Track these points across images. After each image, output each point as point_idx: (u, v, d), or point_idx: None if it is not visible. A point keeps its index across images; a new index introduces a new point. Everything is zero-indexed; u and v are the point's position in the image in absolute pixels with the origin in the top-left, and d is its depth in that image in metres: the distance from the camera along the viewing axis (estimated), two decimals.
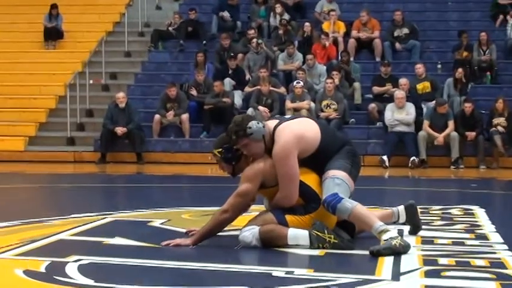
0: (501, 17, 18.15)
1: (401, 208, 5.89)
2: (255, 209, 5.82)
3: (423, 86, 15.34)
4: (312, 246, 5.24)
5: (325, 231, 5.25)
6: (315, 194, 5.39)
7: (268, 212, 5.46)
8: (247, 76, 16.25)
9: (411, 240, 5.46)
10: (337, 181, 5.35)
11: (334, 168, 5.42)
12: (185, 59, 17.96)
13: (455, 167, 13.99)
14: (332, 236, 5.25)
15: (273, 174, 5.37)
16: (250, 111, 15.03)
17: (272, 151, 5.36)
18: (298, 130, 5.46)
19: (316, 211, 5.37)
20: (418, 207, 5.94)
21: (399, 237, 5.19)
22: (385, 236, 5.17)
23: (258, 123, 5.38)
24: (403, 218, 5.86)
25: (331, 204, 5.27)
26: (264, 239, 5.28)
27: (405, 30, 17.47)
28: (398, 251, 5.07)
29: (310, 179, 5.46)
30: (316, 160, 5.47)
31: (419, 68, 15.47)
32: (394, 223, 5.90)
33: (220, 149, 5.51)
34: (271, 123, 5.51)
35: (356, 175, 5.56)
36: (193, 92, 15.71)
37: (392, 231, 5.28)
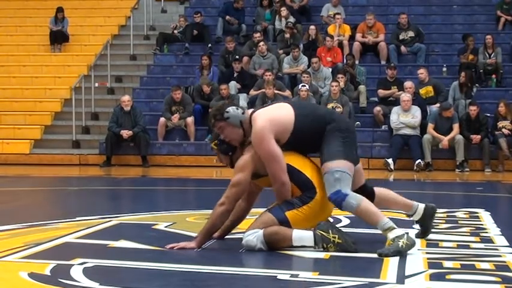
0: (503, 19, 18.15)
1: (421, 206, 5.83)
2: (255, 212, 5.83)
3: (426, 91, 15.33)
4: (316, 245, 5.24)
5: (330, 232, 5.26)
6: (308, 181, 5.38)
7: (267, 213, 5.45)
8: (258, 72, 16.17)
9: (415, 240, 5.45)
10: (336, 175, 5.33)
11: (329, 159, 5.38)
12: (190, 62, 17.98)
13: (460, 170, 13.98)
14: (336, 236, 5.25)
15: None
16: None
17: (252, 136, 5.41)
18: (270, 114, 5.52)
19: (313, 200, 5.37)
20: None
21: (405, 236, 5.20)
22: (391, 234, 5.21)
23: (236, 108, 5.48)
24: (418, 216, 5.82)
25: (336, 202, 5.31)
26: (269, 241, 5.28)
27: (410, 34, 17.47)
28: (404, 251, 5.12)
29: (302, 164, 5.46)
30: (300, 141, 5.47)
31: (422, 74, 15.45)
32: (408, 216, 5.89)
33: (216, 141, 5.60)
34: (250, 111, 5.58)
35: (353, 153, 5.50)
36: (206, 88, 15.65)
37: (398, 229, 5.28)
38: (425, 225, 5.88)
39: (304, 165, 5.47)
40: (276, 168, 5.37)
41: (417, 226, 5.97)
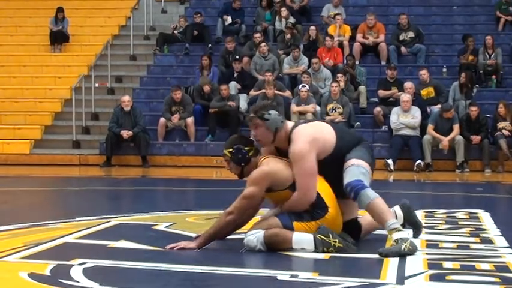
0: (502, 20, 18.16)
1: (396, 208, 5.91)
2: (259, 213, 5.84)
3: (427, 92, 15.35)
4: (316, 250, 5.24)
5: (330, 236, 5.26)
6: (322, 200, 5.39)
7: (274, 217, 5.45)
8: (257, 75, 16.20)
9: (416, 243, 5.46)
10: (362, 170, 5.44)
11: (356, 157, 5.49)
12: (190, 63, 17.99)
13: (460, 171, 13.99)
14: (337, 241, 5.25)
15: (280, 178, 5.38)
16: None
17: (289, 150, 5.39)
18: (315, 131, 5.54)
19: (322, 218, 5.37)
20: (422, 211, 5.93)
21: (409, 241, 5.22)
22: (396, 235, 5.24)
23: (278, 115, 5.48)
24: (401, 218, 5.85)
25: (356, 188, 5.33)
26: (269, 243, 5.28)
27: (410, 34, 17.48)
28: (405, 255, 5.12)
29: (318, 184, 5.45)
30: (336, 160, 5.49)
31: (424, 74, 15.46)
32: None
33: (231, 149, 5.51)
34: (289, 124, 5.58)
35: (373, 169, 5.65)
36: (206, 89, 15.65)
37: (404, 231, 5.32)
38: (412, 221, 5.89)
39: (320, 186, 5.45)
40: (310, 185, 5.35)
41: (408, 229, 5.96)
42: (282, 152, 5.56)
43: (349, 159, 5.47)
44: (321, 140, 5.47)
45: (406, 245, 5.16)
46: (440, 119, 14.34)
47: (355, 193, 5.34)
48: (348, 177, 5.39)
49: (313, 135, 5.46)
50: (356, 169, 5.42)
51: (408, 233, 5.55)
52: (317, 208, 5.38)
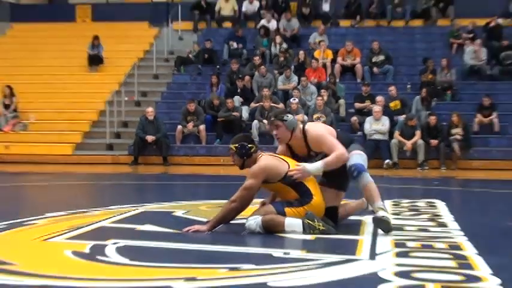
0: (455, 45, 18.18)
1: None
2: (257, 202, 5.85)
3: (395, 104, 15.36)
4: (304, 232, 5.27)
5: (315, 220, 5.29)
6: (307, 189, 5.42)
7: (269, 205, 5.50)
8: (256, 93, 16.21)
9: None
10: (364, 158, 5.58)
11: (358, 149, 5.64)
12: (202, 80, 17.97)
13: (421, 168, 14.00)
14: (321, 224, 5.28)
15: (274, 172, 5.41)
16: (255, 123, 15.07)
17: (311, 138, 5.56)
18: (324, 126, 5.97)
19: (309, 204, 5.40)
20: (390, 201, 5.96)
21: (388, 218, 5.43)
22: (380, 213, 5.42)
23: (294, 118, 5.64)
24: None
25: (359, 169, 5.44)
26: (266, 226, 5.31)
27: (381, 57, 17.49)
28: (382, 227, 5.38)
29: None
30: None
31: (392, 90, 15.49)
32: (366, 209, 5.95)
33: (236, 145, 5.54)
34: (301, 125, 5.71)
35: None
36: (215, 102, 15.65)
37: (385, 212, 5.47)
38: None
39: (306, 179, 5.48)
40: (339, 147, 5.47)
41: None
42: (295, 149, 5.67)
43: (353, 150, 5.59)
44: (330, 129, 5.74)
45: (386, 221, 5.36)
46: (405, 126, 14.35)
47: (358, 173, 5.44)
48: (354, 160, 5.49)
49: (325, 126, 5.81)
50: (359, 156, 5.57)
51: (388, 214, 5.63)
52: (304, 196, 5.41)
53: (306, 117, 14.93)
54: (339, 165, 5.49)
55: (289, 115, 5.62)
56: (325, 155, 5.52)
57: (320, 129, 5.66)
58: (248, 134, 5.67)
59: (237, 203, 5.40)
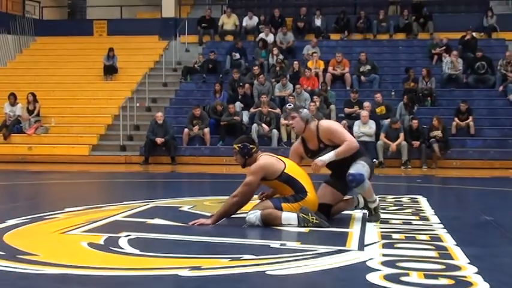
0: (436, 57, 18.16)
1: (359, 196, 5.88)
2: (257, 198, 5.82)
3: (380, 109, 15.35)
4: (299, 225, 5.24)
5: (309, 214, 5.26)
6: (302, 186, 5.39)
7: (267, 201, 5.47)
8: (256, 99, 16.18)
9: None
10: (366, 168, 5.51)
11: (362, 160, 5.57)
12: (207, 88, 17.97)
13: (404, 167, 13.99)
14: (314, 218, 5.26)
15: (272, 170, 5.39)
16: (254, 126, 15.05)
17: (327, 130, 5.54)
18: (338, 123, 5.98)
19: (303, 200, 5.37)
20: (377, 196, 5.91)
21: (378, 212, 5.66)
22: (371, 205, 5.64)
23: (308, 113, 5.71)
24: (362, 203, 5.85)
25: (356, 178, 5.42)
26: (265, 220, 5.28)
27: (368, 67, 17.48)
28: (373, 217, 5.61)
29: (299, 174, 5.45)
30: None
31: (378, 97, 15.49)
32: (355, 207, 5.91)
33: (239, 145, 5.53)
34: (316, 120, 5.74)
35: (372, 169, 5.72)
36: (219, 108, 15.64)
37: (377, 205, 5.69)
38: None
39: (300, 175, 5.45)
40: (350, 137, 5.53)
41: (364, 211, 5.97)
42: (308, 143, 5.66)
43: (356, 159, 5.54)
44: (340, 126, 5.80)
45: (378, 211, 5.66)
46: (390, 129, 14.34)
47: (357, 182, 5.41)
48: (354, 169, 5.45)
49: (337, 123, 5.86)
50: (361, 167, 5.49)
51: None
52: (299, 193, 5.38)
53: None
54: (350, 153, 5.49)
55: (305, 109, 5.73)
56: (334, 148, 5.50)
57: (332, 122, 5.77)
58: (250, 136, 5.66)
59: (238, 197, 5.38)
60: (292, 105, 5.89)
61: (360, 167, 5.47)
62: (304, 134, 5.67)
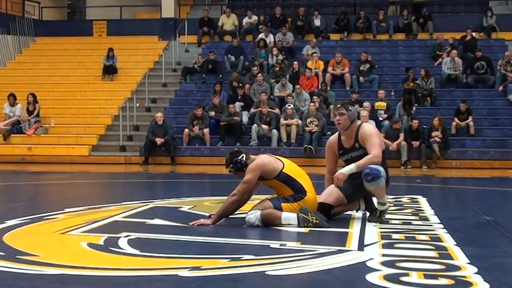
0: (440, 59, 18.12)
1: (361, 200, 5.88)
2: (256, 198, 5.82)
3: (379, 104, 15.52)
4: (299, 225, 5.24)
5: (309, 214, 5.26)
6: (301, 187, 5.39)
7: (267, 201, 5.46)
8: (255, 99, 16.18)
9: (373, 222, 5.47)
10: (382, 170, 5.52)
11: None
12: (206, 88, 17.96)
13: (404, 167, 13.99)
14: (314, 218, 5.26)
15: (269, 169, 5.41)
16: (254, 126, 15.05)
17: (362, 131, 5.63)
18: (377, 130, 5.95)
19: (303, 200, 5.37)
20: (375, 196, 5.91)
21: (385, 214, 5.67)
22: (380, 207, 5.65)
23: (356, 111, 5.78)
24: (363, 206, 5.85)
25: (373, 173, 5.45)
26: (264, 220, 5.28)
27: (367, 66, 17.49)
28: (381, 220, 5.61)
29: (298, 174, 5.45)
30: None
31: (382, 93, 15.71)
32: (357, 210, 5.91)
33: (231, 165, 5.52)
34: (358, 121, 5.81)
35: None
36: (212, 113, 15.70)
37: (387, 207, 5.71)
38: (371, 207, 5.85)
39: (299, 175, 5.46)
40: (379, 151, 5.54)
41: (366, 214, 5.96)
42: (344, 140, 5.73)
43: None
44: (379, 134, 5.81)
45: (384, 216, 5.66)
46: (390, 129, 14.35)
47: (373, 177, 5.43)
48: (371, 167, 5.47)
49: (376, 130, 5.82)
50: (378, 166, 5.51)
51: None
52: (298, 193, 5.39)
53: (300, 122, 14.93)
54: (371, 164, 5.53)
55: (353, 107, 5.74)
56: (365, 152, 5.56)
57: (373, 129, 5.76)
58: (231, 150, 5.65)
59: (237, 195, 5.39)
60: (344, 101, 5.94)
61: (377, 166, 5.51)
62: (345, 131, 5.72)
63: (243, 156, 5.50)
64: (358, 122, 5.76)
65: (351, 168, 5.51)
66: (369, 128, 5.71)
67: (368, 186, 5.51)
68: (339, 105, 5.73)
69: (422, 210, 6.52)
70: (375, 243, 4.63)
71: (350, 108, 5.68)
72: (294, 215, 5.27)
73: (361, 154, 5.59)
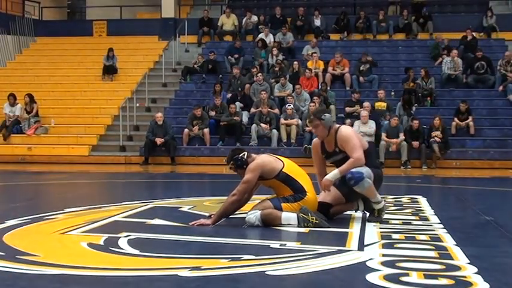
0: (440, 59, 18.09)
1: (359, 200, 5.87)
2: (256, 198, 5.81)
3: (380, 104, 15.52)
4: (299, 225, 5.24)
5: (309, 214, 5.26)
6: (301, 186, 5.39)
7: (267, 201, 5.46)
8: (255, 99, 16.18)
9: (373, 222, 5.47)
10: (366, 169, 5.52)
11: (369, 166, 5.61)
12: (206, 88, 17.95)
13: (404, 167, 13.98)
14: (314, 218, 5.26)
15: (269, 168, 5.41)
16: (253, 126, 15.05)
17: (339, 136, 5.59)
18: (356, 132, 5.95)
19: (303, 199, 5.37)
20: None
21: (383, 212, 5.65)
22: (376, 206, 5.64)
23: (330, 117, 5.73)
24: (362, 207, 5.85)
25: (355, 177, 5.45)
26: (264, 220, 5.28)
27: (367, 65, 17.48)
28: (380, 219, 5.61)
29: (298, 174, 5.45)
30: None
31: (381, 93, 15.70)
32: (356, 211, 5.91)
33: (232, 162, 5.53)
34: (337, 125, 5.78)
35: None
36: (212, 113, 15.70)
37: (383, 205, 5.69)
38: (369, 207, 5.83)
39: (298, 175, 5.46)
40: (360, 153, 5.50)
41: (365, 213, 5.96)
42: (326, 144, 5.72)
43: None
44: (358, 136, 5.76)
45: (383, 214, 5.67)
46: (390, 128, 14.36)
47: (356, 181, 5.44)
48: (354, 169, 5.48)
49: (355, 132, 5.80)
50: (362, 168, 5.51)
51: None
52: (298, 193, 5.39)
53: (300, 122, 14.93)
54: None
55: (327, 114, 5.68)
56: (346, 155, 5.55)
57: (350, 132, 5.69)
58: (233, 148, 5.65)
59: (237, 195, 5.39)
60: (315, 110, 5.89)
61: (360, 168, 5.48)
62: (326, 139, 5.72)
63: (244, 154, 5.50)
64: (336, 126, 5.71)
65: (335, 174, 5.54)
66: (346, 131, 5.64)
67: (356, 189, 5.51)
68: (311, 117, 5.69)
69: (422, 210, 6.52)
70: (374, 243, 4.63)
71: (323, 116, 5.62)
72: (294, 215, 5.27)
73: (342, 158, 5.59)
